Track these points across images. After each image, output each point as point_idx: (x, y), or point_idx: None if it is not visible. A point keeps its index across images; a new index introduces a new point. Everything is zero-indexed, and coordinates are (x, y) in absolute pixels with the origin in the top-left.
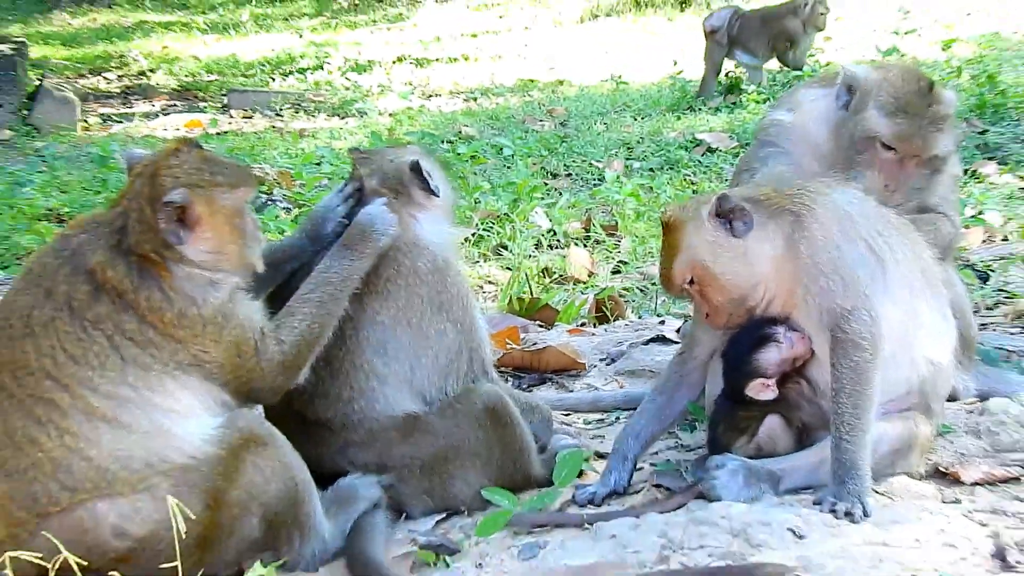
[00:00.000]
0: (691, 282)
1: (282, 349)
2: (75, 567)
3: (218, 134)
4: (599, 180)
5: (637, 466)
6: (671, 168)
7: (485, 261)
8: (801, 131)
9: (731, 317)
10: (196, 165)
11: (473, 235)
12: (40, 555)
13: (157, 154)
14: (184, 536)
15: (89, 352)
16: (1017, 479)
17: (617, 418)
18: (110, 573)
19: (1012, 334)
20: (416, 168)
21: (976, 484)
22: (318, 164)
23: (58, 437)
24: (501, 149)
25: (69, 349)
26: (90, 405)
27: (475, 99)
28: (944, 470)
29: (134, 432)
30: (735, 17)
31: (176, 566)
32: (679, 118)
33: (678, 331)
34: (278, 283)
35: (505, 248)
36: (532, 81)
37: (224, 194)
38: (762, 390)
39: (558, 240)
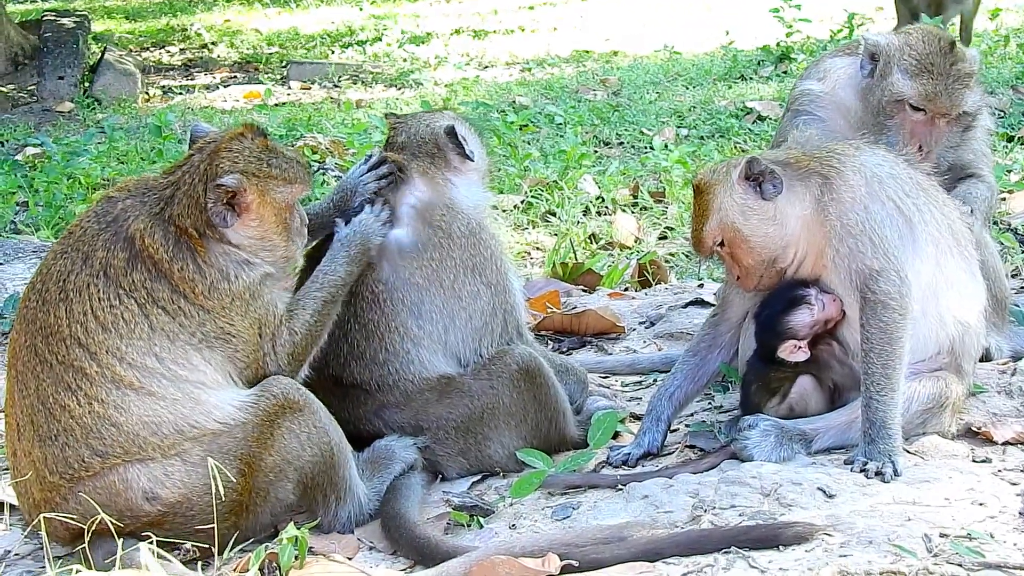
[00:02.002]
0: (721, 243)
1: (293, 340)
2: (112, 528)
3: (275, 105)
4: (649, 148)
5: (671, 427)
6: (721, 136)
7: (533, 227)
8: (831, 98)
9: (761, 279)
10: (257, 154)
11: (522, 202)
12: (74, 517)
13: (222, 134)
14: (219, 501)
15: (119, 320)
16: None
17: (654, 380)
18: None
19: None
20: (451, 132)
21: (1007, 443)
22: (371, 134)
23: (87, 404)
24: (553, 118)
25: (100, 316)
26: (117, 373)
27: (530, 70)
28: (976, 430)
29: (162, 399)
30: None
31: (210, 528)
32: (730, 87)
33: (716, 295)
34: (306, 252)
35: (553, 215)
36: (587, 52)
37: (278, 187)
38: (794, 351)
39: (606, 207)
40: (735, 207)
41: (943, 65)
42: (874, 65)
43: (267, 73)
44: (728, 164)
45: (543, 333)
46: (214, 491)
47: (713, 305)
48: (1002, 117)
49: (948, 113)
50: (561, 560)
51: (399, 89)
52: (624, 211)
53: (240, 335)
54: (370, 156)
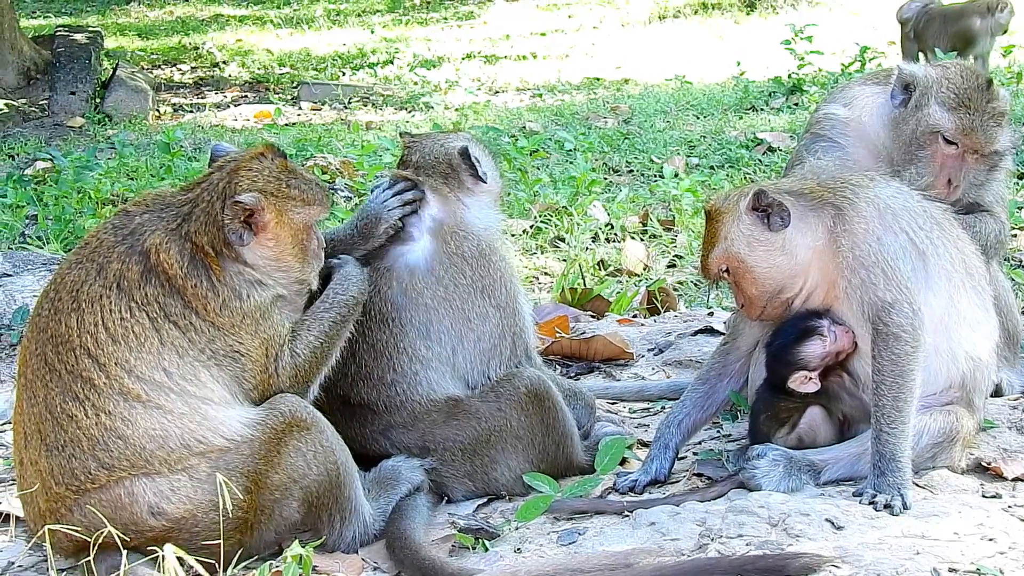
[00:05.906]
0: (727, 271)
1: (295, 362)
2: (118, 541)
3: (285, 125)
4: (659, 177)
5: (679, 455)
6: (731, 166)
7: (542, 252)
8: (856, 126)
9: (765, 309)
10: (276, 174)
11: (531, 227)
12: (78, 529)
13: (242, 153)
14: (224, 518)
15: (130, 332)
16: None
17: (662, 407)
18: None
19: None
20: (465, 153)
21: (1017, 479)
22: (381, 155)
23: (95, 415)
24: (563, 144)
25: (111, 328)
26: (125, 386)
27: (540, 96)
28: (986, 465)
29: (170, 413)
30: (923, 11)
31: (215, 545)
32: (741, 117)
33: (726, 323)
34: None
35: (562, 240)
36: (598, 79)
37: (296, 208)
38: (804, 382)
39: (615, 234)
40: (741, 237)
41: (980, 101)
42: (907, 96)
43: (278, 93)
44: (739, 193)
45: (552, 358)
46: (220, 508)
47: (722, 333)
48: (1014, 154)
49: (980, 150)
50: None
51: (409, 112)
52: (633, 238)
53: (249, 354)
54: (389, 179)
